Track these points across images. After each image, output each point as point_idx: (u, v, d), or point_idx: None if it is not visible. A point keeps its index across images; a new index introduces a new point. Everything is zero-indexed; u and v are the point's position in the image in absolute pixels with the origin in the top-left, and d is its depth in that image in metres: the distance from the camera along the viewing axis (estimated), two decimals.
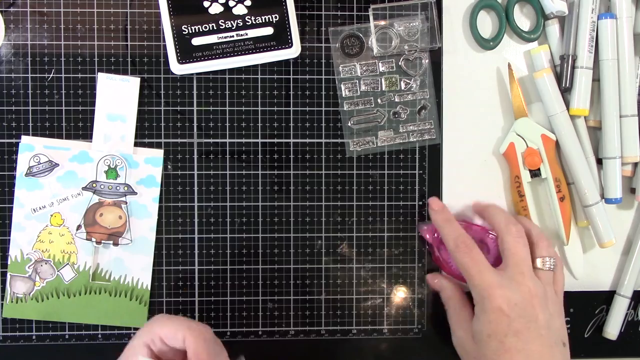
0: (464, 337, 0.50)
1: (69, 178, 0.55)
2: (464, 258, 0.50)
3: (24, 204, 0.55)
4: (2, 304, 0.56)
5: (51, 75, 0.56)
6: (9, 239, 0.55)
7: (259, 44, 0.55)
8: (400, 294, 0.59)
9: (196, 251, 0.57)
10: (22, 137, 0.55)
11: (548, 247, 0.52)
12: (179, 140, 0.57)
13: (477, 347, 0.48)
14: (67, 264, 0.55)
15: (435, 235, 0.57)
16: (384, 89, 0.58)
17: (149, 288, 0.56)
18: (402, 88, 0.58)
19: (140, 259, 0.56)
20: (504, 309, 0.47)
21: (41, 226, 0.55)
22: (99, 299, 0.56)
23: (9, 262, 0.55)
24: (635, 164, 0.58)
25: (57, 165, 0.55)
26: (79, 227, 0.55)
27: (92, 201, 0.55)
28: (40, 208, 0.55)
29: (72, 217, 0.55)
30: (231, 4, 0.55)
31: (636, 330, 0.61)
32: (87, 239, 0.55)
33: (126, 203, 0.56)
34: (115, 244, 0.56)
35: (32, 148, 0.55)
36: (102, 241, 0.56)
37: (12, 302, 0.55)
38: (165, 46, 0.55)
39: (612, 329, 0.60)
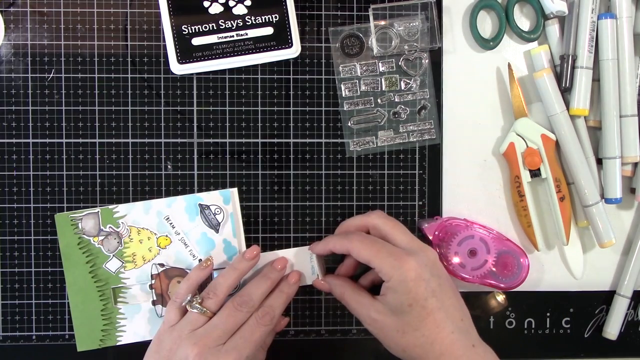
0: (379, 317, 0.49)
1: (205, 241, 0.57)
2: (363, 242, 0.51)
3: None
4: None
5: (51, 75, 0.56)
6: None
7: (259, 44, 0.55)
8: None
9: None
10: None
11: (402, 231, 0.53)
12: (179, 140, 0.57)
13: (399, 320, 0.48)
14: (123, 263, 0.56)
15: (437, 233, 0.57)
16: (384, 89, 0.58)
17: None
18: (402, 88, 0.58)
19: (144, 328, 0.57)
20: (420, 274, 0.48)
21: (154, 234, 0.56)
22: (93, 299, 0.56)
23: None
24: (635, 164, 0.58)
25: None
26: (159, 269, 0.56)
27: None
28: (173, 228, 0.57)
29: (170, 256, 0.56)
30: (231, 4, 0.55)
31: (636, 330, 0.61)
32: (150, 287, 0.56)
33: None
34: (155, 304, 0.56)
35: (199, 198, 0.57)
36: (153, 299, 0.56)
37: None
38: (165, 46, 0.55)
39: (612, 329, 0.60)
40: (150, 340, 0.51)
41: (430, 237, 0.57)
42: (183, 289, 0.52)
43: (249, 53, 0.55)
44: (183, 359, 0.48)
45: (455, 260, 0.56)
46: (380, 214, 0.53)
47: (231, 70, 0.57)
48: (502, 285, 0.57)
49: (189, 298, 0.51)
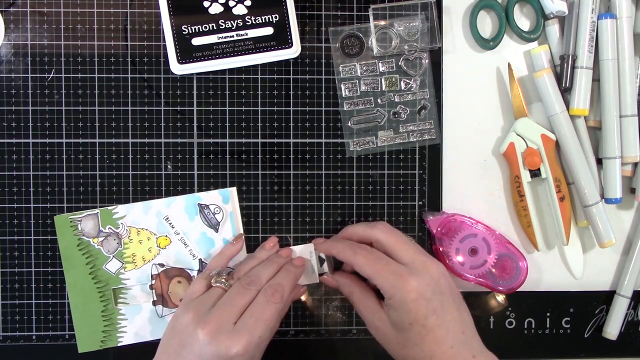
0: (382, 326, 0.50)
1: (205, 241, 0.57)
2: (368, 258, 0.50)
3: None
4: None
5: (51, 75, 0.56)
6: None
7: (259, 44, 0.55)
8: None
9: None
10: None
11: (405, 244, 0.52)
12: (179, 140, 0.57)
13: (400, 334, 0.49)
14: (123, 263, 0.56)
15: (439, 229, 0.57)
16: (384, 89, 0.58)
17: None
18: (402, 88, 0.58)
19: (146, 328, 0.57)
20: (422, 294, 0.48)
21: (154, 234, 0.56)
22: (93, 301, 0.56)
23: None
24: (635, 164, 0.58)
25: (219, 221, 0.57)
26: (159, 270, 0.56)
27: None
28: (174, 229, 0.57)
29: (170, 256, 0.56)
30: (231, 4, 0.55)
31: (636, 330, 0.61)
32: (150, 287, 0.56)
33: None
34: (156, 304, 0.56)
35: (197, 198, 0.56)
36: (154, 300, 0.56)
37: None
38: (165, 46, 0.55)
39: (612, 329, 0.60)
40: (151, 340, 0.51)
41: (433, 232, 0.57)
42: (213, 263, 0.54)
43: (249, 53, 0.55)
44: (195, 342, 0.46)
45: (456, 257, 0.56)
46: (384, 228, 0.52)
47: (231, 70, 0.57)
48: (500, 288, 0.57)
49: (217, 270, 0.52)
